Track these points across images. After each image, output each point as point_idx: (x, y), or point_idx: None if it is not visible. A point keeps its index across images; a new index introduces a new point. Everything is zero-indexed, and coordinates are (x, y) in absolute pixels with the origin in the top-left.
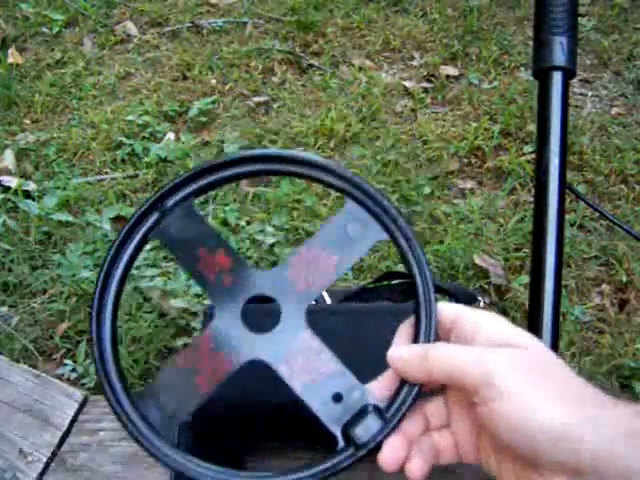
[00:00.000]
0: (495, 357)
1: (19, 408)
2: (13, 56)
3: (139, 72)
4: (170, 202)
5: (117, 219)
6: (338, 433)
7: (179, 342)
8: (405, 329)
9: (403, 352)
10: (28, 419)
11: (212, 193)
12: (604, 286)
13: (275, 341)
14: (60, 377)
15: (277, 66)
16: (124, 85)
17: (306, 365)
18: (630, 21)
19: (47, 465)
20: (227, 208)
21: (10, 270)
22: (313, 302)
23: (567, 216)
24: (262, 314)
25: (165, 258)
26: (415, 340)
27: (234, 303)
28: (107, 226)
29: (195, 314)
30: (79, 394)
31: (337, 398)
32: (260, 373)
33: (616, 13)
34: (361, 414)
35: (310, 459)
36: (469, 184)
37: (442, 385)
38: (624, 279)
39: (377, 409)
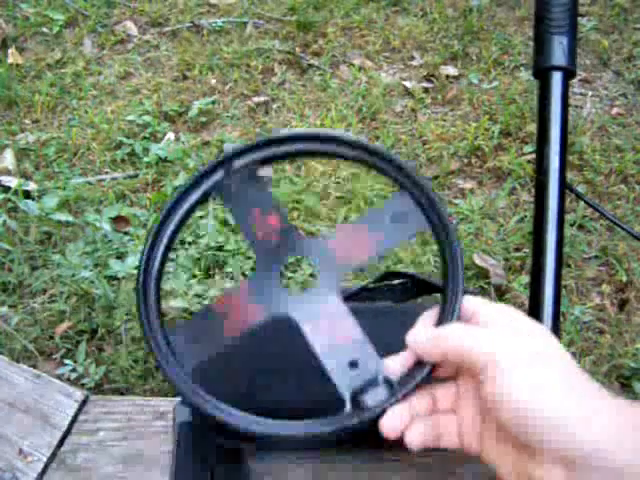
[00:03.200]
0: (504, 340)
1: (19, 408)
2: (13, 56)
3: (139, 72)
4: (237, 164)
5: (117, 219)
6: (347, 397)
7: None
8: (428, 315)
9: (420, 332)
10: (28, 419)
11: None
12: (604, 286)
13: (306, 301)
14: (60, 377)
15: (277, 66)
16: (124, 85)
17: (330, 328)
18: (630, 21)
19: (47, 465)
20: (227, 208)
21: (10, 270)
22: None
23: (567, 216)
24: None
25: None
26: (439, 321)
27: (275, 260)
28: (107, 226)
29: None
30: (79, 394)
31: (353, 364)
32: (261, 373)
33: (616, 13)
34: (372, 383)
35: (311, 458)
36: (469, 184)
37: (455, 373)
38: (624, 279)
39: (388, 381)
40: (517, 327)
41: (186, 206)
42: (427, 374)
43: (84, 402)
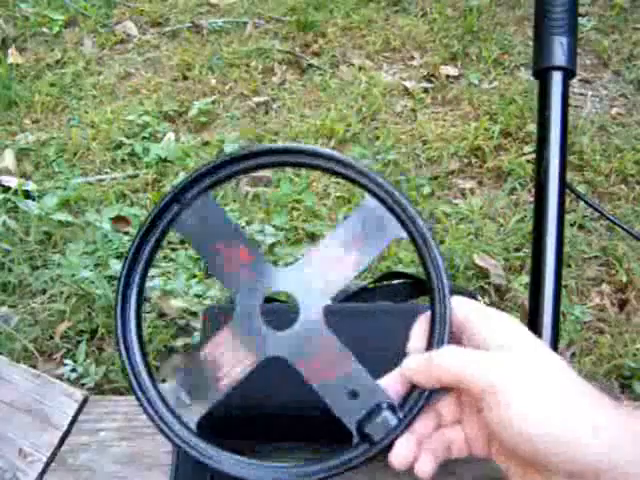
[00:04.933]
0: (498, 364)
1: (19, 408)
2: (13, 56)
3: (139, 72)
4: (189, 195)
5: (117, 219)
6: (353, 429)
7: (179, 342)
8: (420, 328)
9: (411, 363)
10: (28, 419)
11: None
12: (604, 286)
13: (294, 338)
14: (60, 377)
15: (277, 66)
16: (124, 85)
17: (323, 363)
18: (630, 21)
19: (47, 465)
20: (227, 208)
21: (10, 270)
22: (329, 301)
23: (567, 216)
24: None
25: (165, 258)
26: (429, 343)
27: (253, 299)
28: (107, 226)
29: (195, 314)
30: (79, 394)
31: (353, 395)
32: (261, 373)
33: (616, 13)
34: (376, 411)
35: (311, 459)
36: (469, 184)
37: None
38: (624, 279)
39: (391, 407)
40: (511, 342)
41: (148, 249)
42: (427, 398)
43: (84, 402)
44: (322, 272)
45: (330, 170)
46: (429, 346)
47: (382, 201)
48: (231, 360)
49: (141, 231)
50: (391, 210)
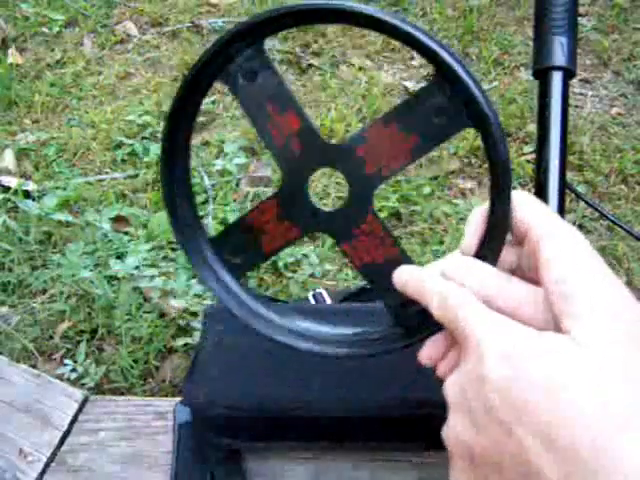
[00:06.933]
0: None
1: (19, 408)
2: (13, 56)
3: (139, 72)
4: (238, 45)
5: (117, 219)
6: (391, 311)
7: (179, 342)
8: (480, 220)
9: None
10: (28, 419)
11: (212, 193)
12: None
13: (341, 218)
14: (60, 377)
15: (277, 66)
16: (124, 85)
17: (368, 246)
18: (630, 21)
19: (47, 465)
20: (227, 208)
21: (10, 270)
22: (383, 186)
23: (567, 216)
24: None
25: (165, 258)
26: (480, 247)
27: (301, 171)
28: (107, 226)
29: (195, 314)
30: (79, 394)
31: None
32: (261, 372)
33: (616, 13)
34: (412, 301)
35: (311, 458)
36: (469, 184)
37: None
38: (624, 279)
39: None
40: (566, 285)
41: (194, 101)
42: None
43: (84, 402)
44: (376, 155)
45: (410, 43)
46: (480, 250)
47: (456, 91)
48: (275, 228)
49: (187, 81)
50: (464, 102)
